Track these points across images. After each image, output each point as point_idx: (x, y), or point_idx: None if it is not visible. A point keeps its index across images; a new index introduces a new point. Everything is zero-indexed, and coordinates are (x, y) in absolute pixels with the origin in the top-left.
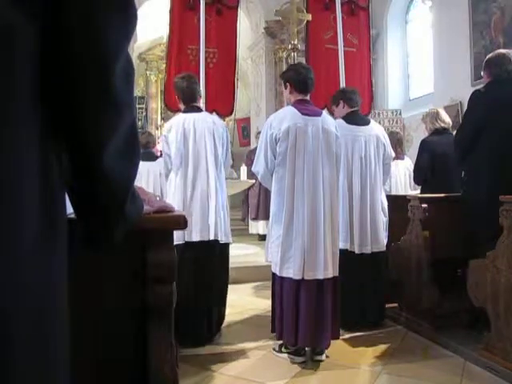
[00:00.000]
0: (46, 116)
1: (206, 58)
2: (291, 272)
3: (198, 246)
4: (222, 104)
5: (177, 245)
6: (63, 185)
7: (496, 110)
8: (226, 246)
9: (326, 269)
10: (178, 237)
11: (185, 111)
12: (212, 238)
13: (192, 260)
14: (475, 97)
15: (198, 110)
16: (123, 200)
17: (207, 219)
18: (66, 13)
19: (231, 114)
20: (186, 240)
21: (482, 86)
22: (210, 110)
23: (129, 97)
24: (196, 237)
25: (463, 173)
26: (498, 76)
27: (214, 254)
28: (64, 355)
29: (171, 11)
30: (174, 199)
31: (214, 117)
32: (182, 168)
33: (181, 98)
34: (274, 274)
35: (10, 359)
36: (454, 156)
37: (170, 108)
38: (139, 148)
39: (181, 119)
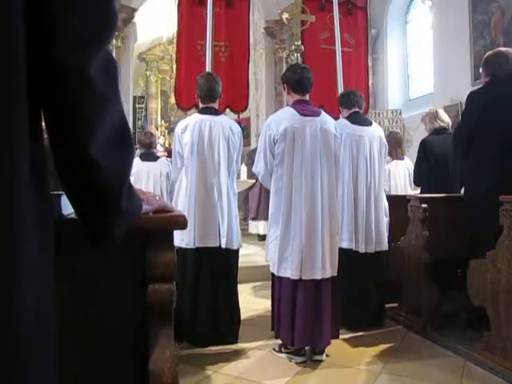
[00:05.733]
0: (35, 111)
1: (217, 53)
2: (289, 272)
3: (209, 250)
4: (236, 99)
5: (186, 248)
6: (59, 184)
7: (494, 110)
8: (236, 250)
9: (324, 269)
10: (188, 242)
11: (201, 112)
12: (224, 245)
13: (203, 264)
14: (472, 97)
15: (215, 112)
16: (118, 196)
17: (219, 226)
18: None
19: (246, 109)
20: (197, 245)
21: (481, 85)
22: (223, 105)
23: (111, 87)
24: (207, 243)
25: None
26: (496, 75)
27: (224, 259)
28: (53, 355)
29: (179, 7)
30: (184, 202)
31: (233, 123)
32: (194, 172)
33: (199, 96)
34: (272, 274)
35: (19, 358)
36: (453, 156)
37: (182, 107)
38: (132, 143)
39: (197, 120)
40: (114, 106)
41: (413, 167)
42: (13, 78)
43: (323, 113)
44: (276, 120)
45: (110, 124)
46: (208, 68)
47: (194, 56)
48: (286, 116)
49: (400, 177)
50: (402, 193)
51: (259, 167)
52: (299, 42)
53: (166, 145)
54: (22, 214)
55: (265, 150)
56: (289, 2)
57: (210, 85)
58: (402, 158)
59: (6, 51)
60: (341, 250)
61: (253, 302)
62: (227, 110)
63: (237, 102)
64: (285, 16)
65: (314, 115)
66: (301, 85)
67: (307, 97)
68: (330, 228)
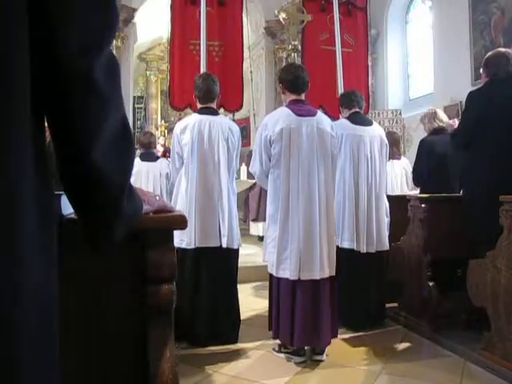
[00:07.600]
0: (38, 112)
1: (210, 52)
2: (287, 273)
3: (209, 250)
4: (230, 98)
5: (186, 249)
6: (59, 184)
7: (493, 110)
8: (236, 250)
9: (322, 269)
10: (189, 242)
11: (200, 112)
12: (224, 245)
13: (203, 264)
14: (472, 97)
15: (214, 112)
16: (118, 197)
17: (220, 226)
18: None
19: (240, 107)
20: (197, 245)
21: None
22: (217, 105)
23: (113, 88)
24: (207, 243)
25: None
26: (496, 76)
27: (224, 258)
28: (57, 355)
29: (172, 7)
30: (183, 203)
31: (231, 123)
32: (194, 172)
33: (197, 96)
34: (270, 275)
35: (16, 359)
36: (450, 154)
37: (175, 107)
38: (132, 144)
39: (197, 120)
40: (115, 107)
41: (410, 167)
42: (14, 78)
43: (319, 112)
44: (272, 120)
45: (112, 125)
46: (202, 68)
47: (187, 56)
48: (282, 116)
49: (396, 176)
50: (399, 192)
51: (255, 167)
52: (296, 42)
53: (166, 145)
54: (21, 212)
55: (260, 151)
56: (288, 2)
57: (208, 85)
58: (399, 158)
59: (6, 53)
60: (342, 249)
61: (253, 302)
62: (222, 109)
63: (231, 101)
64: (282, 16)
65: (310, 115)
66: (296, 84)
67: (303, 96)
68: (328, 227)
